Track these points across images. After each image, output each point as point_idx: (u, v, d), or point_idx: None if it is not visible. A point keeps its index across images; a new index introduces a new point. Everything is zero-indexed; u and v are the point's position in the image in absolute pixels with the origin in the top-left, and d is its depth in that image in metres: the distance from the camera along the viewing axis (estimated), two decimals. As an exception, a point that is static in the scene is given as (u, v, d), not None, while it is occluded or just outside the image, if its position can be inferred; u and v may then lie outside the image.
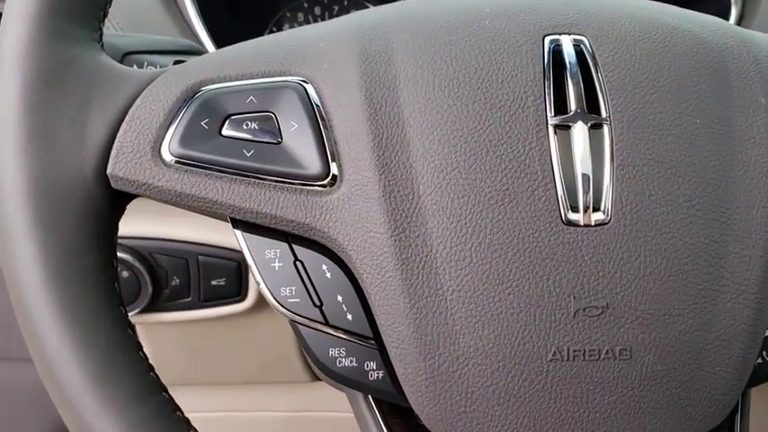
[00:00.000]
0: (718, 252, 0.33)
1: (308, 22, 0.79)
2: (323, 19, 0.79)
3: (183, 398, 0.88)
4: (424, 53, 0.35)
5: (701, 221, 0.33)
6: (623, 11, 0.37)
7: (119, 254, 0.62)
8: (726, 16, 0.68)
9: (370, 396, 0.37)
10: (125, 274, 0.63)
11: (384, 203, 0.33)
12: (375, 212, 0.33)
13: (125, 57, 0.46)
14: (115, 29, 0.62)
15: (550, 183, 0.33)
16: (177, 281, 0.65)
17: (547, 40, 0.35)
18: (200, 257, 0.65)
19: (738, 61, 0.36)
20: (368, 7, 0.79)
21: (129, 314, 0.65)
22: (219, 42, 0.66)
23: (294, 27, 0.79)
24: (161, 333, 0.73)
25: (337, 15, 0.79)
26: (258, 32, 0.75)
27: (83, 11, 0.35)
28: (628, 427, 0.33)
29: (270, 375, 0.77)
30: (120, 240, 0.63)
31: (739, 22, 0.68)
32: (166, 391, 0.35)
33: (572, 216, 0.33)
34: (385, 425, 0.37)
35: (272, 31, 0.77)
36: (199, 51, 0.53)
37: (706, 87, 0.35)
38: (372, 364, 0.34)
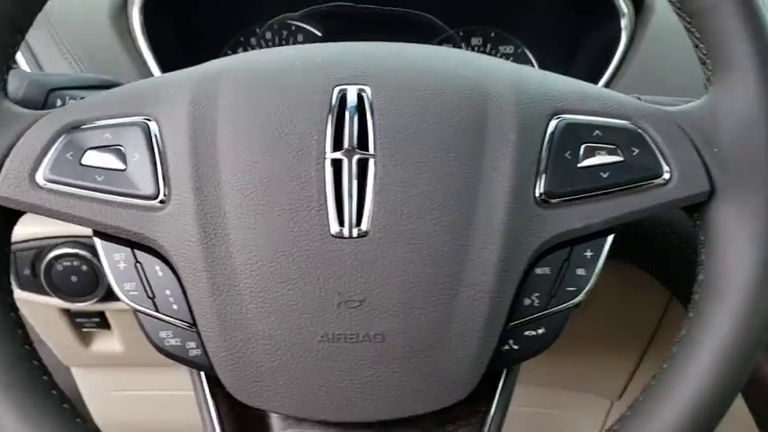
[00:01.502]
0: (458, 260, 0.42)
1: (260, 47, 0.89)
2: (273, 42, 0.89)
3: (153, 377, 0.99)
4: (241, 100, 0.44)
5: (445, 235, 0.42)
6: (409, 63, 0.46)
7: (79, 251, 0.74)
8: (617, 39, 0.75)
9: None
10: (84, 267, 0.75)
11: (197, 219, 0.43)
12: (191, 226, 0.43)
13: (50, 92, 0.57)
14: (75, 61, 0.72)
15: (323, 204, 0.42)
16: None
17: (336, 90, 0.44)
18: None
19: (499, 103, 0.45)
20: (314, 34, 0.89)
21: (90, 302, 0.77)
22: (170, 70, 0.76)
23: (248, 51, 0.89)
24: (127, 319, 0.85)
25: (286, 39, 0.89)
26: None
27: None
28: (384, 396, 0.42)
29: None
30: (78, 239, 0.74)
31: (630, 45, 0.75)
32: (38, 360, 0.45)
33: (338, 230, 0.42)
34: (210, 393, 0.47)
35: (226, 55, 0.87)
36: (115, 85, 0.64)
37: (464, 126, 0.44)
38: (192, 344, 0.44)
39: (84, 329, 0.90)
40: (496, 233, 0.43)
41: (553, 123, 0.45)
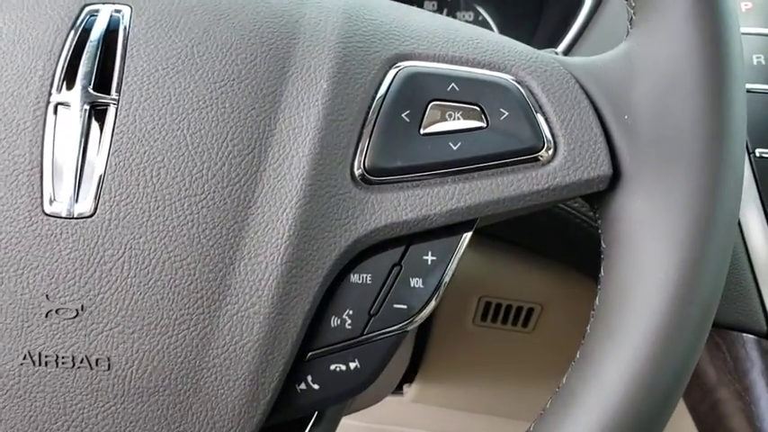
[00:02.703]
0: (228, 256, 0.29)
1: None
2: None
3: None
4: None
5: (210, 220, 0.29)
6: None
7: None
8: (582, 1, 0.61)
9: None
10: None
11: None
12: None
13: None
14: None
15: (36, 168, 0.29)
16: None
17: (85, 10, 0.32)
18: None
19: (315, 36, 0.31)
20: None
21: None
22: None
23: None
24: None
25: None
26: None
27: None
28: None
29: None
30: None
31: (595, 8, 0.61)
32: None
33: (53, 206, 0.29)
34: None
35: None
36: None
37: (255, 65, 0.31)
38: None
39: None
40: (286, 222, 0.29)
41: (392, 72, 0.32)
